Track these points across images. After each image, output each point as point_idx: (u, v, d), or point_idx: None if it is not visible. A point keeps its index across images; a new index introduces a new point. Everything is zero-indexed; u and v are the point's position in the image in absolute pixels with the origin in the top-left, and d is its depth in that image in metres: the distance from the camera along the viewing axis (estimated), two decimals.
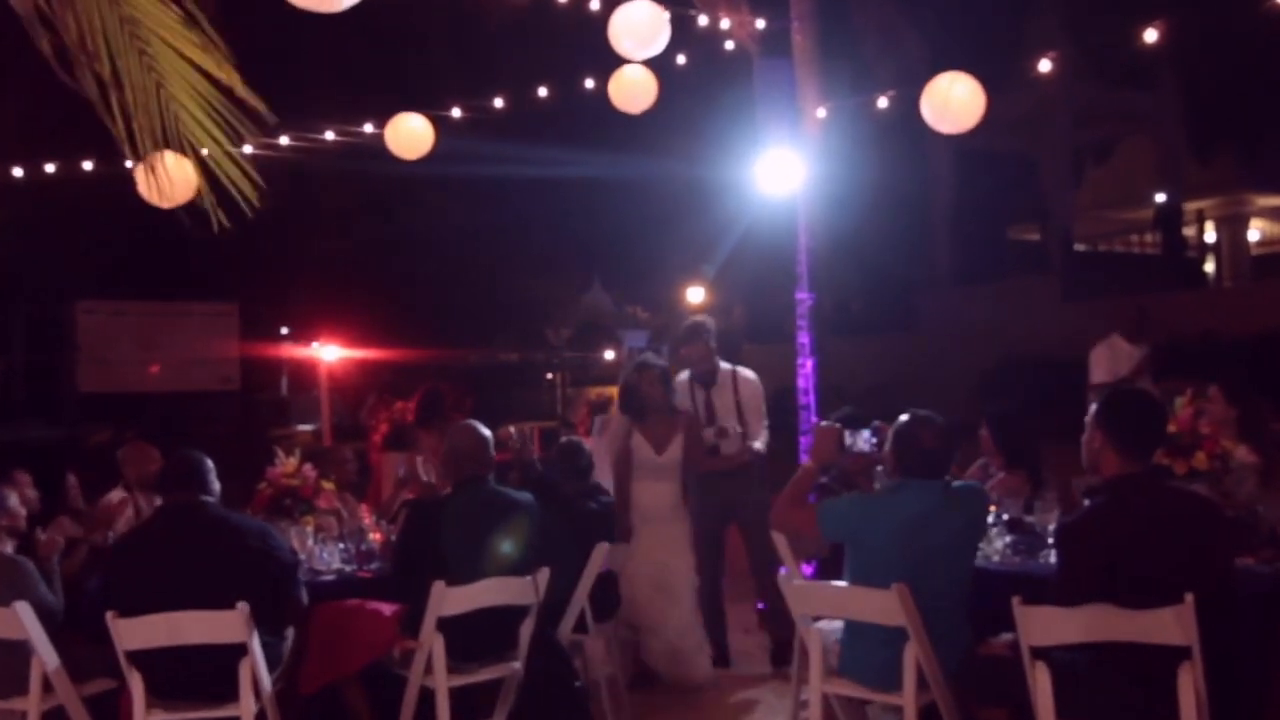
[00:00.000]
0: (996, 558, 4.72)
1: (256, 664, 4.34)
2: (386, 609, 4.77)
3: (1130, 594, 3.62)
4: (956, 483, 4.43)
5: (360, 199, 20.63)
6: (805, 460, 5.61)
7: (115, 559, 4.73)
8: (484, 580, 4.69)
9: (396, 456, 8.03)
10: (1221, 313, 20.02)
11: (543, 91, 8.08)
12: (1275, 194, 26.43)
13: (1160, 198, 25.95)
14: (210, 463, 4.75)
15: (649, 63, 6.92)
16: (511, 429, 6.13)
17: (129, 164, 6.43)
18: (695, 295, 33.56)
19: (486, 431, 5.10)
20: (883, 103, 7.73)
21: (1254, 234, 28.24)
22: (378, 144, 7.61)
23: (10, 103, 12.35)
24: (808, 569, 5.50)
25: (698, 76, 8.25)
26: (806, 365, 7.82)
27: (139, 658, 4.31)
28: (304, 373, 22.19)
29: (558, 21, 7.48)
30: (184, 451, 4.81)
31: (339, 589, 5.06)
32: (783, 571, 5.25)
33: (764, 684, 6.46)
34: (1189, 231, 26.80)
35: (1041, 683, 3.69)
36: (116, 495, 6.37)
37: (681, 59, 7.72)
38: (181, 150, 2.83)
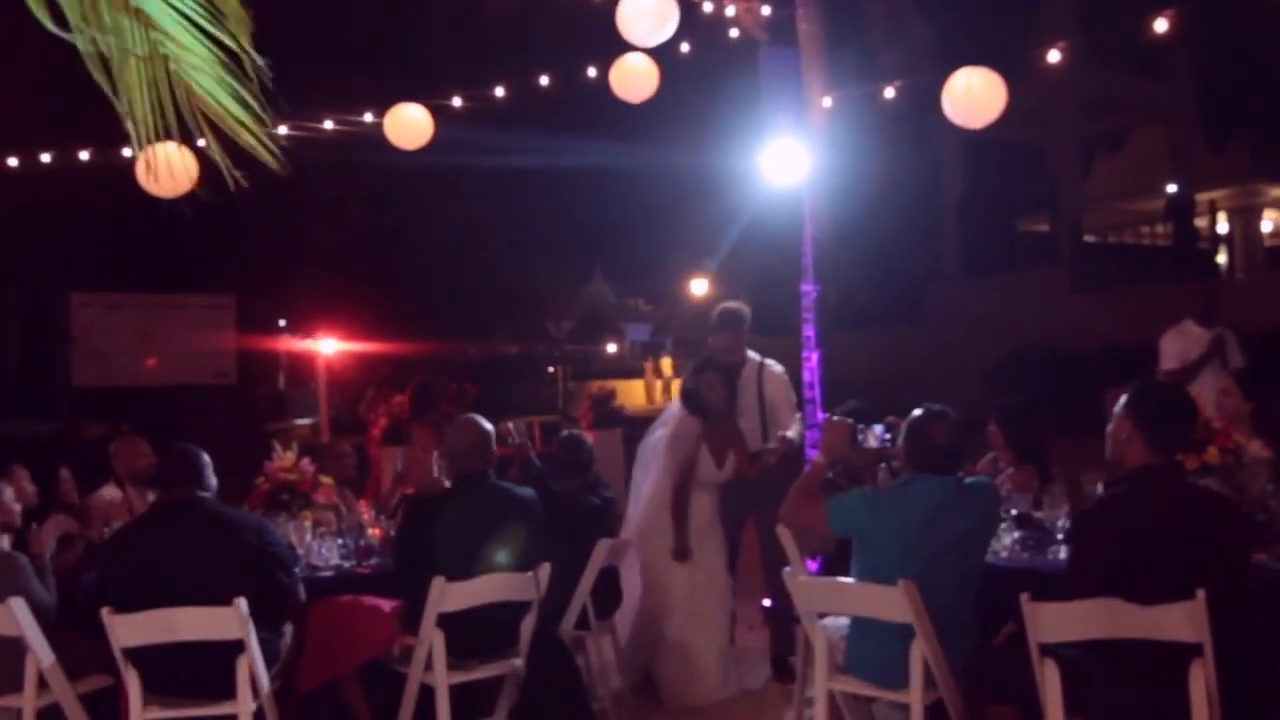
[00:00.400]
0: (1005, 553, 4.72)
1: (254, 661, 4.35)
2: (386, 605, 4.78)
3: (1143, 588, 3.62)
4: (969, 479, 4.43)
5: (359, 190, 20.63)
6: (814, 455, 5.61)
7: (110, 555, 4.74)
8: (485, 576, 4.69)
9: (395, 451, 8.04)
10: (1234, 305, 19.97)
11: (544, 80, 8.06)
12: None
13: (1172, 188, 25.92)
14: (206, 457, 4.75)
15: (651, 51, 6.90)
16: (510, 425, 6.13)
17: (127, 153, 6.44)
18: (699, 287, 33.61)
19: (488, 426, 5.10)
20: (890, 92, 7.72)
21: (1267, 225, 28.20)
22: (377, 134, 7.60)
23: (5, 92, 12.34)
24: (813, 565, 5.50)
25: (702, 65, 8.23)
26: (811, 358, 7.80)
27: (135, 654, 4.31)
28: (302, 366, 22.22)
29: (559, 9, 7.47)
30: (179, 446, 4.82)
31: (337, 585, 5.07)
32: (787, 569, 5.24)
33: (768, 685, 6.44)
34: (1201, 223, 26.76)
35: (1050, 680, 3.69)
36: (109, 490, 6.38)
37: (686, 47, 7.70)
38: (194, 127, 2.82)
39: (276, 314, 22.37)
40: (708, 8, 7.51)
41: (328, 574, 5.21)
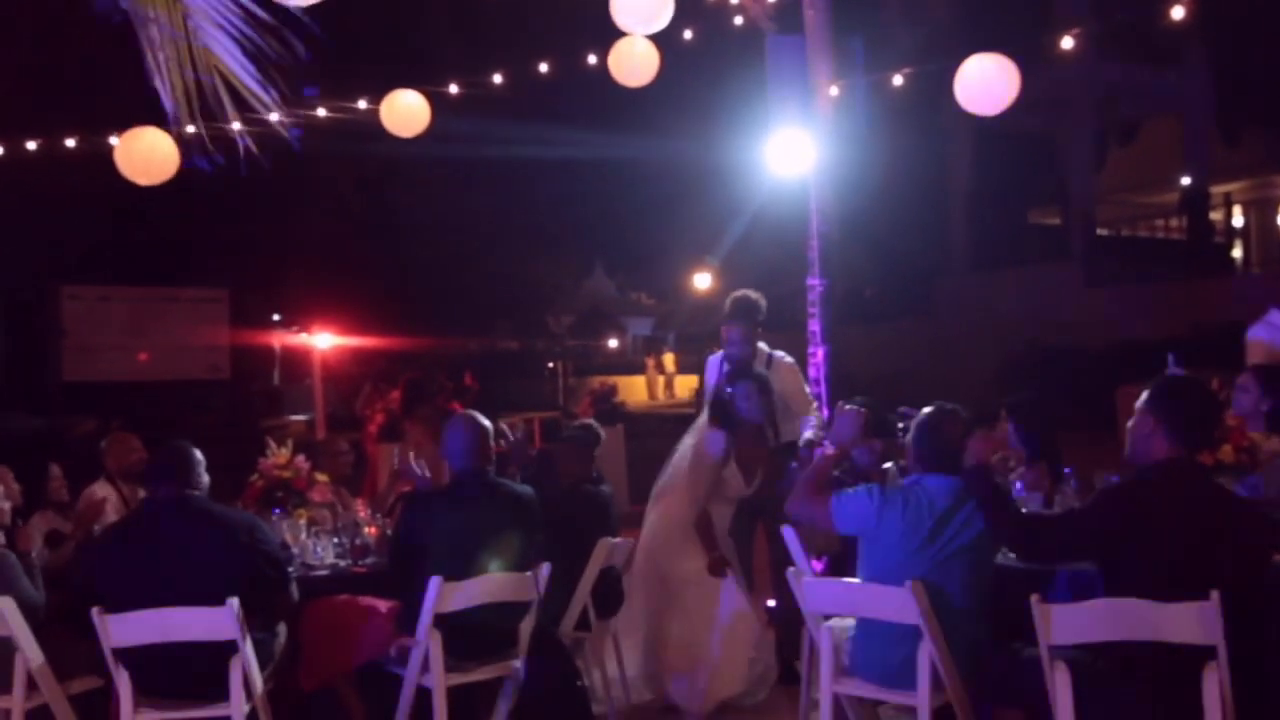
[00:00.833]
0: (1014, 554, 4.70)
1: (247, 662, 4.35)
2: (382, 605, 4.78)
3: (1154, 584, 3.62)
4: None
5: (354, 179, 20.65)
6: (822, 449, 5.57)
7: (100, 553, 4.73)
8: (483, 576, 4.69)
9: (392, 448, 8.04)
10: (1250, 300, 19.94)
11: (544, 67, 8.05)
12: None
13: (1186, 181, 25.89)
14: (198, 454, 4.75)
15: (653, 38, 6.89)
16: (504, 426, 6.08)
17: (115, 141, 6.43)
18: (702, 281, 33.62)
19: (486, 423, 5.10)
20: (898, 81, 7.71)
21: None
22: (372, 121, 7.59)
23: None
24: (818, 565, 5.50)
25: (706, 53, 8.23)
26: (818, 354, 7.81)
27: (126, 655, 4.32)
28: (296, 361, 22.22)
29: None
30: (170, 442, 4.81)
31: (333, 585, 5.07)
32: (791, 569, 5.23)
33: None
34: (1216, 216, 26.76)
35: (1061, 683, 3.69)
36: (100, 487, 6.38)
37: (689, 34, 7.70)
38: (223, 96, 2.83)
39: (271, 307, 22.40)
40: None
41: (323, 573, 5.20)
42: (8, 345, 18.90)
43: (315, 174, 18.93)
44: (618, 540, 5.78)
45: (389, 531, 5.32)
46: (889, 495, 4.28)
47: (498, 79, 8.10)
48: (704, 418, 6.31)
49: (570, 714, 5.07)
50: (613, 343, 43.10)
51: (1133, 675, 3.70)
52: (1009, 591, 4.08)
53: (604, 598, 5.72)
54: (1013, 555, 4.71)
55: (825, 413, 7.41)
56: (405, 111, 7.48)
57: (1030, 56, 6.33)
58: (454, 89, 7.91)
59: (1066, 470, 5.27)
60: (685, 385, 30.84)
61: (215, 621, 4.29)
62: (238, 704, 4.33)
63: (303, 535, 5.41)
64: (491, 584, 4.70)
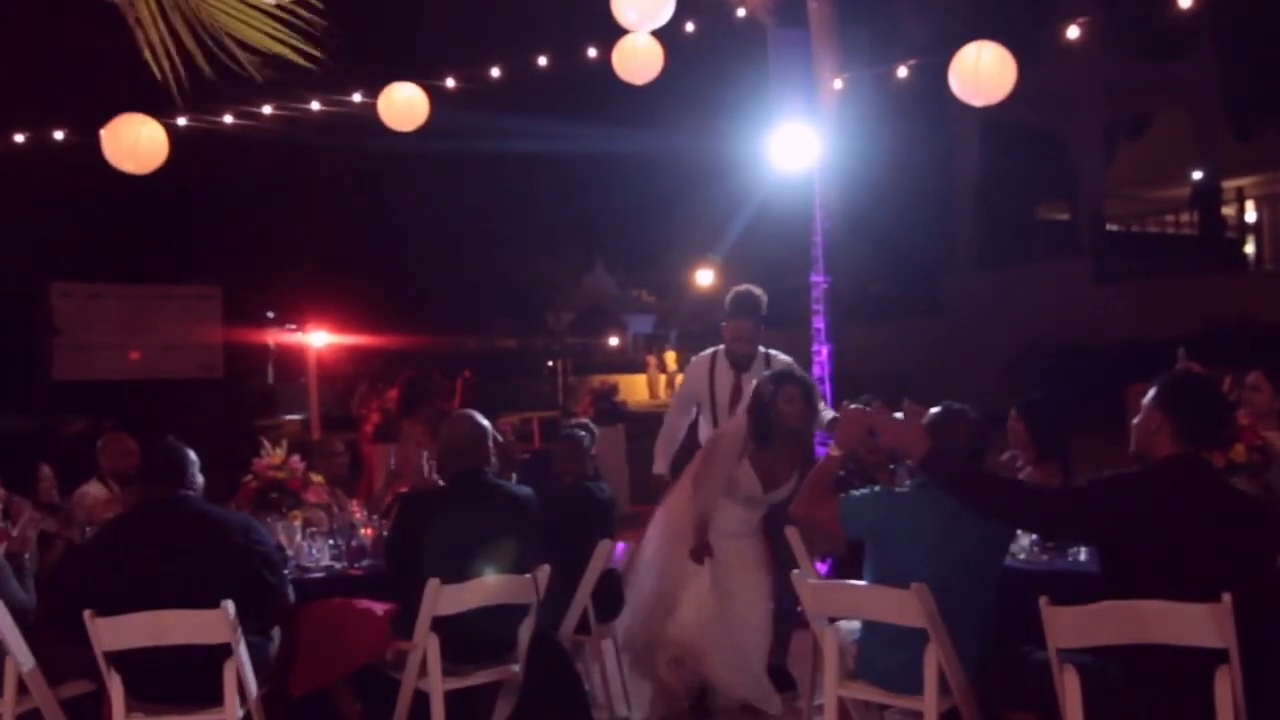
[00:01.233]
0: (1023, 555, 4.71)
1: (241, 665, 4.35)
2: (379, 608, 4.78)
3: (1158, 581, 3.63)
4: None
5: (351, 174, 20.64)
6: (826, 450, 5.57)
7: (91, 555, 4.73)
8: (481, 578, 4.69)
9: (388, 448, 8.05)
10: (1262, 296, 20.00)
11: (543, 61, 8.06)
12: None
13: (1197, 175, 25.91)
14: (192, 454, 4.75)
15: (655, 31, 6.89)
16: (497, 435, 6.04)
17: (102, 132, 6.42)
18: (704, 278, 33.64)
19: (484, 422, 5.10)
20: (903, 74, 7.71)
21: None
22: (370, 115, 7.59)
23: None
24: (822, 567, 5.50)
25: (708, 46, 8.23)
26: (822, 352, 7.82)
27: (118, 658, 4.31)
28: (291, 360, 22.24)
29: None
30: (163, 442, 4.81)
31: (329, 587, 5.07)
32: (795, 572, 5.24)
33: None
34: (1228, 211, 26.76)
35: (1070, 687, 3.69)
36: (93, 488, 6.39)
37: (691, 28, 7.70)
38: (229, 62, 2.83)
39: (265, 305, 22.38)
40: None
41: (318, 576, 5.21)
42: None
43: (311, 169, 18.95)
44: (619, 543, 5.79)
45: (385, 533, 5.33)
46: (898, 497, 4.28)
47: (496, 73, 8.10)
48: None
49: (570, 719, 5.06)
50: (613, 341, 43.14)
51: (1143, 678, 3.70)
52: (1017, 593, 4.08)
53: (605, 600, 5.72)
54: (1021, 555, 4.73)
55: (830, 409, 7.42)
56: (404, 105, 7.47)
57: (1039, 49, 6.33)
58: (452, 83, 7.91)
59: (1076, 469, 5.29)
60: None
61: (209, 624, 4.28)
62: (232, 708, 4.33)
63: (298, 537, 5.42)
64: (490, 586, 4.70)
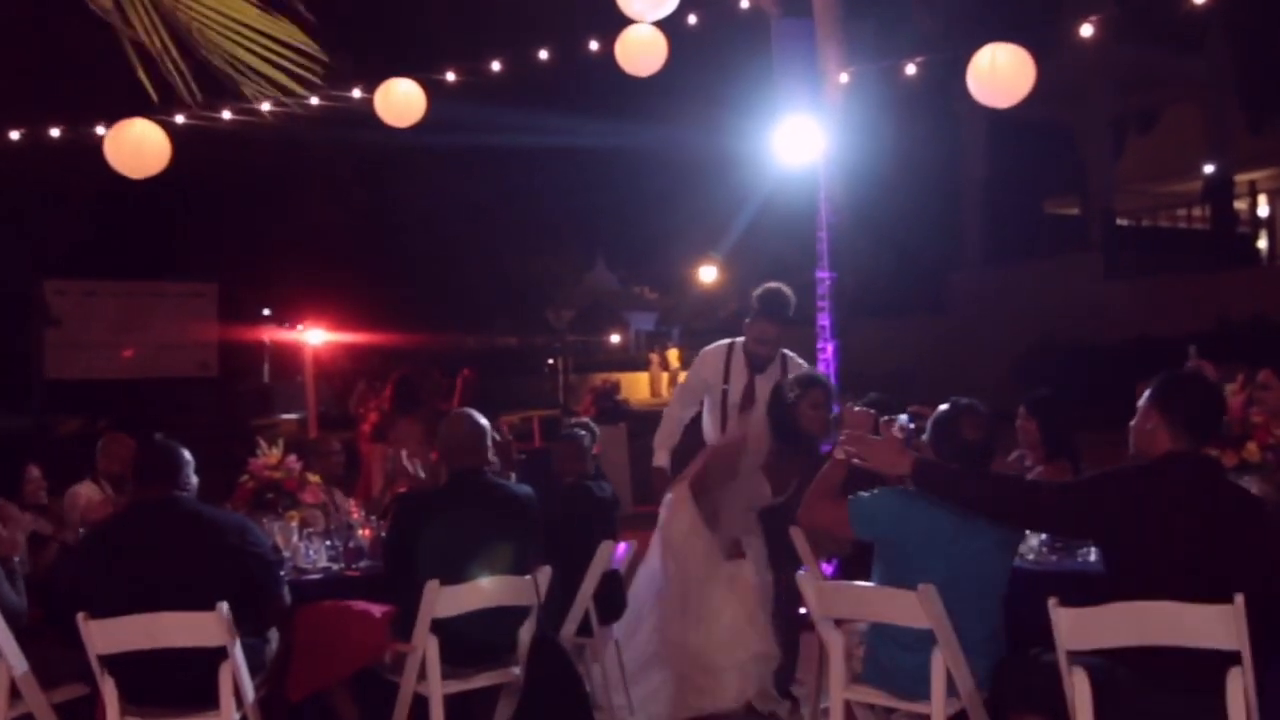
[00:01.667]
0: (1031, 556, 4.71)
1: (238, 669, 4.35)
2: (377, 610, 4.78)
3: (1160, 579, 3.64)
4: None
5: (348, 170, 20.64)
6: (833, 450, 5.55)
7: (85, 557, 4.74)
8: (481, 580, 4.69)
9: (386, 448, 8.06)
10: (1276, 293, 19.97)
11: (544, 54, 8.05)
12: None
13: (1209, 169, 25.88)
14: (187, 454, 4.75)
15: (659, 23, 6.89)
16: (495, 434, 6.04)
17: (101, 132, 6.43)
18: (707, 274, 33.65)
19: (484, 421, 5.10)
20: (910, 68, 7.70)
21: None
22: (367, 110, 7.60)
23: None
24: (827, 568, 5.50)
25: (711, 39, 8.23)
26: (827, 349, 7.82)
27: (112, 662, 4.32)
28: (288, 358, 22.25)
29: None
30: (157, 441, 4.81)
31: (326, 589, 5.07)
32: (801, 573, 5.24)
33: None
34: (1240, 205, 26.73)
35: (1080, 689, 3.69)
36: (87, 488, 6.40)
37: (694, 19, 7.69)
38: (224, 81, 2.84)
39: (261, 302, 22.40)
40: None
41: (315, 577, 5.21)
42: None
43: (307, 164, 18.94)
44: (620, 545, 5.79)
45: (383, 534, 5.33)
46: (910, 497, 4.25)
47: (497, 66, 8.09)
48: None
49: None
50: (615, 338, 43.15)
51: (1154, 681, 3.70)
52: (1026, 595, 4.08)
53: (606, 602, 5.72)
54: (1030, 555, 4.73)
55: (835, 408, 7.41)
56: (401, 101, 7.48)
57: (1047, 41, 6.33)
58: (452, 77, 7.91)
59: (1086, 468, 5.28)
60: None
61: (204, 627, 4.28)
62: (228, 712, 4.33)
63: (294, 538, 5.42)
64: (490, 588, 4.70)
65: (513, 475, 5.54)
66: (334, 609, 4.84)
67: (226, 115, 5.91)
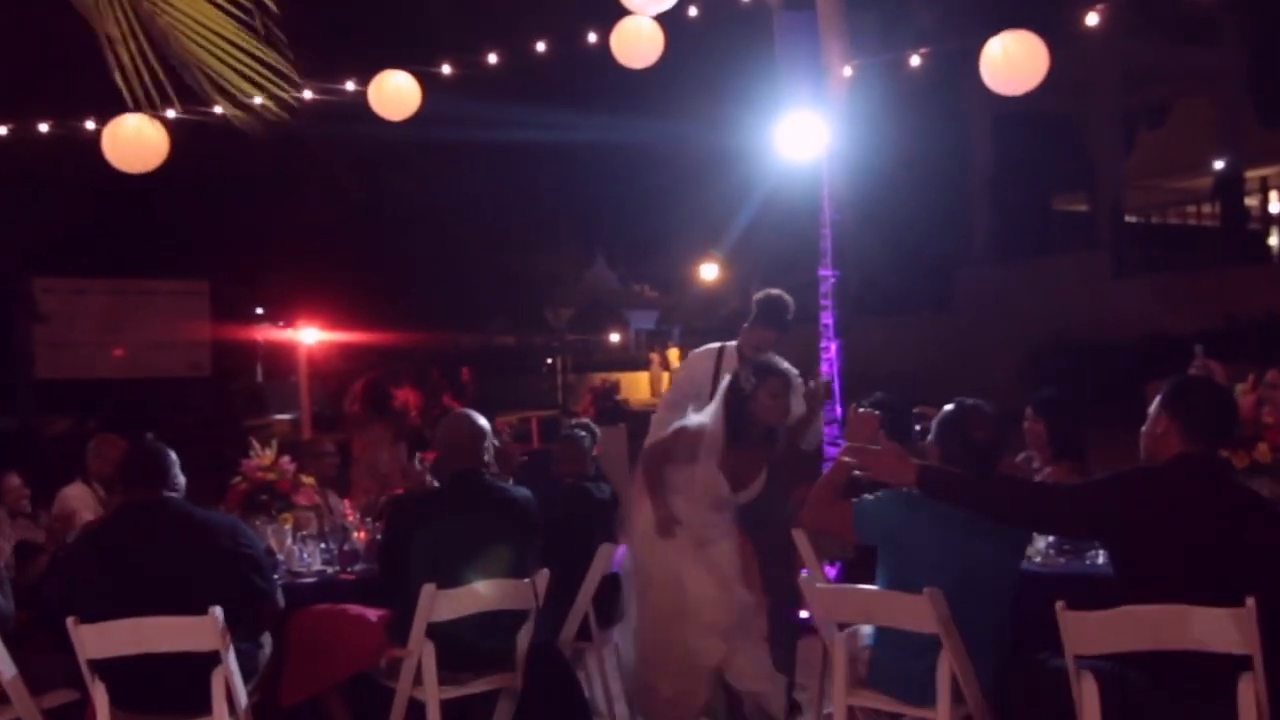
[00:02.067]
0: (1038, 558, 4.71)
1: (230, 674, 4.35)
2: (372, 614, 4.78)
3: (1171, 582, 3.64)
4: None
5: (342, 166, 20.61)
6: (833, 452, 5.57)
7: (74, 560, 4.74)
8: (478, 583, 4.69)
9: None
10: None
11: (541, 47, 8.04)
12: None
13: (1220, 164, 25.86)
14: (173, 455, 4.74)
15: (658, 15, 6.88)
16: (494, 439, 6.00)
17: (92, 126, 6.42)
18: (708, 272, 33.66)
19: (482, 422, 5.10)
20: (915, 61, 7.69)
21: None
22: (360, 103, 7.58)
23: None
24: (830, 571, 5.50)
25: (712, 31, 8.23)
26: (830, 348, 7.81)
27: (103, 666, 4.32)
28: (281, 357, 22.28)
29: None
30: (143, 442, 4.81)
31: (320, 592, 5.07)
32: (804, 576, 5.23)
33: None
34: (1251, 201, 26.73)
35: (1088, 694, 3.69)
36: (74, 489, 6.41)
37: (694, 12, 7.68)
38: (202, 95, 2.86)
39: (254, 300, 22.40)
40: None
41: (309, 580, 5.21)
42: None
43: (302, 158, 18.91)
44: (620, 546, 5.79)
45: (379, 536, 5.33)
46: (915, 500, 4.24)
47: (494, 59, 8.08)
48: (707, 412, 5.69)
49: None
50: (615, 337, 43.18)
51: (1163, 686, 3.70)
52: (1034, 598, 4.08)
53: (606, 605, 5.72)
54: (1037, 558, 4.72)
55: (839, 409, 7.41)
56: (394, 94, 7.47)
57: (1054, 34, 6.32)
58: (447, 69, 7.90)
59: (1094, 469, 5.27)
60: None
61: (196, 631, 4.28)
62: (220, 718, 4.33)
63: (288, 540, 5.42)
64: (487, 592, 4.70)
65: (510, 479, 5.54)
66: (329, 613, 4.84)
67: (218, 110, 5.91)
